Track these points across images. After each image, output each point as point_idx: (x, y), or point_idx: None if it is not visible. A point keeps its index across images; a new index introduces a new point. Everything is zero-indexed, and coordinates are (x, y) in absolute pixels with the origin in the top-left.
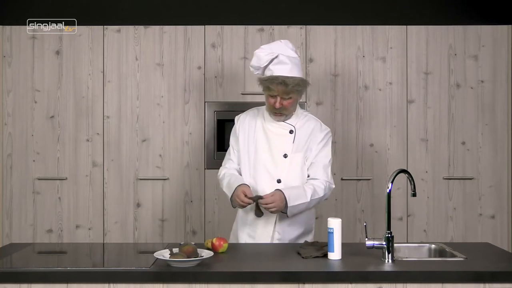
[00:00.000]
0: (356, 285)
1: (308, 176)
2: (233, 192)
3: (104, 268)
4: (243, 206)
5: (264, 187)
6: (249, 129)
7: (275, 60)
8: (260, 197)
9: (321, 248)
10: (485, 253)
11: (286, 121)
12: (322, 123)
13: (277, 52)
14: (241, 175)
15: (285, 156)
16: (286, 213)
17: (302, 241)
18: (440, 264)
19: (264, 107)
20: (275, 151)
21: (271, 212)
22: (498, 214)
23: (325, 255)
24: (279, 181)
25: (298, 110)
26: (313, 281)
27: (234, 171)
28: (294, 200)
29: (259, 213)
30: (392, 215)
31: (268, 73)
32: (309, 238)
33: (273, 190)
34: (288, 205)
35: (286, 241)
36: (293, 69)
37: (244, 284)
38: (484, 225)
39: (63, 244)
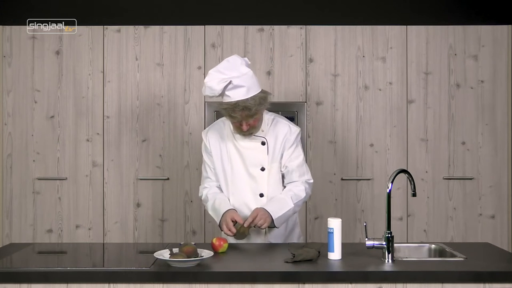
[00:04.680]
0: (356, 285)
1: (283, 177)
2: (221, 217)
3: (104, 268)
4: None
5: (248, 203)
6: (220, 146)
7: (229, 86)
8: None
9: (311, 251)
10: (485, 253)
11: (255, 134)
12: (290, 124)
13: (229, 75)
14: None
15: (263, 169)
16: (274, 226)
17: (291, 237)
18: (440, 264)
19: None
20: (251, 166)
21: (263, 227)
22: (498, 214)
23: (311, 260)
24: (261, 195)
25: (264, 115)
26: (313, 281)
27: (215, 189)
28: (278, 211)
29: (240, 236)
30: (392, 215)
31: (225, 99)
32: (297, 232)
33: (257, 205)
34: (274, 218)
35: (278, 240)
36: (250, 89)
37: (244, 284)
38: (484, 225)
39: (63, 244)
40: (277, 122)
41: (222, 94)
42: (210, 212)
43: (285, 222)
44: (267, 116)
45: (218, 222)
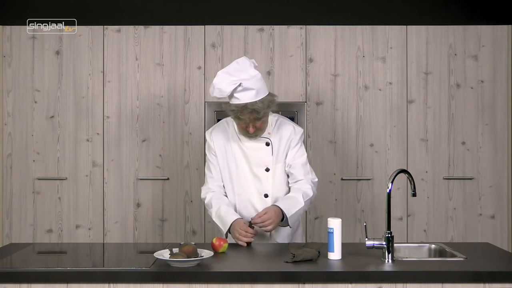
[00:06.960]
0: (356, 285)
1: (288, 177)
2: (230, 228)
3: (104, 268)
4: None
5: (254, 203)
6: (225, 146)
7: (238, 88)
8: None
9: (311, 251)
10: (485, 253)
11: (261, 136)
12: (294, 125)
13: (238, 77)
14: (225, 192)
15: (267, 170)
16: (288, 225)
17: (296, 236)
18: (440, 264)
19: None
20: (256, 166)
21: (268, 230)
22: (498, 214)
23: (311, 259)
24: (266, 195)
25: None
26: (313, 281)
27: (219, 195)
28: (291, 209)
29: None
30: (392, 215)
31: (234, 100)
32: (299, 232)
33: (262, 205)
34: (288, 216)
35: (284, 240)
36: (259, 91)
37: (244, 284)
38: (484, 225)
39: (63, 244)
40: (281, 123)
41: (230, 96)
42: (214, 219)
43: (297, 221)
44: (271, 117)
45: (225, 231)
